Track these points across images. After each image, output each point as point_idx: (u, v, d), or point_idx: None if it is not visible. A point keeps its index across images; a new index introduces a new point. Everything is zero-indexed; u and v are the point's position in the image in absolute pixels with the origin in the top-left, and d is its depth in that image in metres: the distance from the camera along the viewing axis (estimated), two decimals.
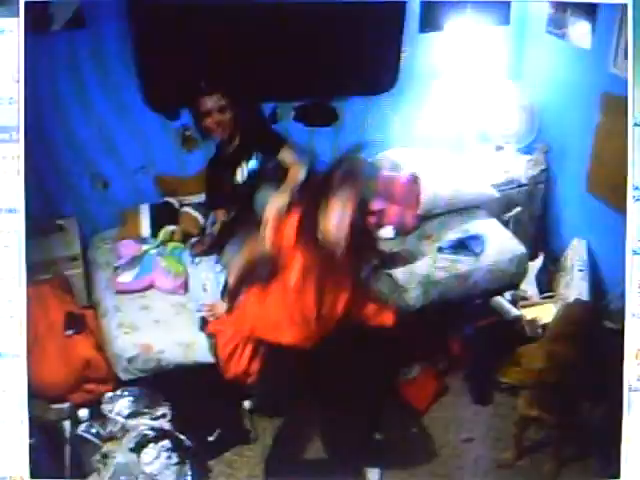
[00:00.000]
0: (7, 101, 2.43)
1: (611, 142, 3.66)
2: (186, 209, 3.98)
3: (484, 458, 3.27)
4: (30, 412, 2.95)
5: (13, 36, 2.43)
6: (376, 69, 4.06)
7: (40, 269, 3.48)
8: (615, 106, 3.57)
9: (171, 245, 3.82)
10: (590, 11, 3.65)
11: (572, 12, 3.78)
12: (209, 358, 3.29)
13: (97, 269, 3.78)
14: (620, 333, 3.62)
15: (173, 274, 3.64)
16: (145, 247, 3.80)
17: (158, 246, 3.81)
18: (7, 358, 2.44)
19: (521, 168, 4.27)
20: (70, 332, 3.40)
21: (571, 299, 3.77)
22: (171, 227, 3.90)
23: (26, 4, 2.42)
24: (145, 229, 3.91)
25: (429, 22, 4.06)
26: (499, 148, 4.40)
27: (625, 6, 3.24)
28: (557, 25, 3.92)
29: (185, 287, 3.64)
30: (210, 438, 3.27)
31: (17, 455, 2.45)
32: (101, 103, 3.74)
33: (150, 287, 3.64)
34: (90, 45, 3.59)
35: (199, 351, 3.33)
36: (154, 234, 3.89)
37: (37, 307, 3.33)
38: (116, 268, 3.68)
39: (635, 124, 2.42)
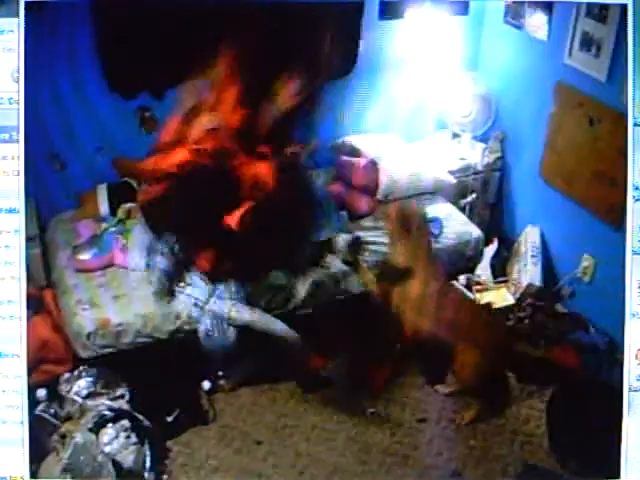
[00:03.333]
0: (7, 101, 2.42)
1: (564, 131, 3.76)
2: (145, 185, 3.96)
3: (438, 438, 3.35)
4: None
5: (13, 36, 2.41)
6: (335, 54, 4.08)
7: None
8: (568, 96, 3.67)
9: (130, 223, 3.81)
10: (547, 3, 3.73)
11: (529, 3, 3.85)
12: (168, 327, 3.38)
13: (56, 249, 3.76)
14: (569, 316, 3.77)
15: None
16: (104, 225, 3.80)
17: (117, 224, 3.81)
18: (7, 358, 2.43)
19: (477, 155, 4.34)
20: (28, 312, 3.38)
21: (524, 284, 3.88)
22: (128, 205, 3.89)
23: (26, 4, 2.41)
24: (103, 208, 3.89)
25: (389, 9, 4.09)
26: (456, 136, 4.46)
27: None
28: (515, 16, 3.99)
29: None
30: (169, 418, 3.28)
31: (17, 455, 2.45)
32: (61, 84, 3.69)
33: (110, 265, 3.64)
34: (49, 25, 3.54)
35: (157, 321, 3.37)
36: (112, 213, 3.88)
37: None
38: (75, 247, 3.67)
39: (635, 124, 2.46)
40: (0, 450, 2.43)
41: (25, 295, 2.43)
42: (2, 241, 2.40)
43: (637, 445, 2.49)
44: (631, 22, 2.49)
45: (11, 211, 2.40)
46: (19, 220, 2.40)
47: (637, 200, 2.47)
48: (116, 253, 3.64)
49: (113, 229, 3.77)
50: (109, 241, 3.68)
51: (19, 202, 2.40)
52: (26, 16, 2.40)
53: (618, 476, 2.49)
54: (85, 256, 3.62)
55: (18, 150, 2.40)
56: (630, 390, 2.48)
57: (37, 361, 3.32)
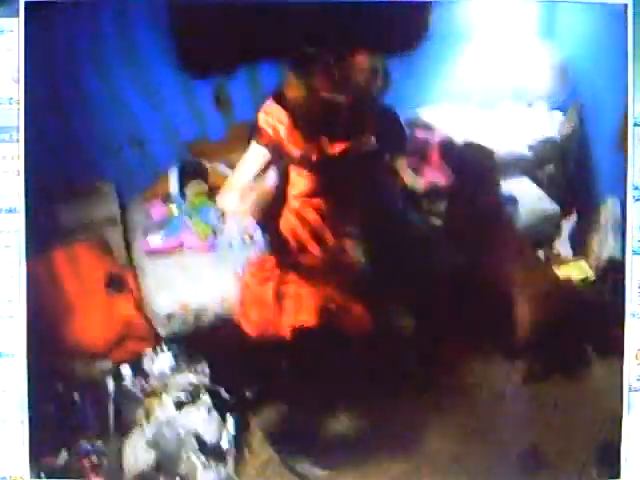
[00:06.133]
0: (7, 101, 2.45)
1: None
2: (214, 165, 4.03)
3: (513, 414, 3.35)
4: (74, 370, 3.07)
5: (13, 36, 2.44)
6: (406, 26, 4.03)
7: (79, 231, 3.59)
8: None
9: (198, 202, 3.90)
10: None
11: None
12: None
13: (133, 230, 3.86)
14: None
15: (201, 235, 3.74)
16: (172, 207, 3.89)
17: (185, 207, 3.89)
18: (7, 358, 2.49)
19: (554, 126, 4.25)
20: (111, 291, 3.50)
21: (604, 257, 3.81)
22: (198, 182, 3.97)
23: (26, 4, 2.43)
24: (173, 188, 3.95)
25: None
26: (531, 106, 4.38)
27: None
28: None
29: (213, 246, 3.73)
30: (249, 394, 3.35)
31: (17, 455, 2.50)
32: (143, 61, 3.78)
33: (179, 247, 3.73)
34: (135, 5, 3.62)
35: (234, 301, 3.45)
36: (182, 192, 3.95)
37: (77, 267, 3.44)
38: (145, 230, 3.78)
39: (635, 124, 2.41)
40: (0, 450, 2.50)
41: (25, 295, 2.48)
42: (2, 241, 2.44)
43: (637, 445, 2.45)
44: (631, 22, 2.44)
45: (11, 211, 2.45)
46: (19, 220, 2.45)
47: (637, 200, 2.43)
48: (185, 235, 3.73)
49: (181, 210, 3.86)
50: (178, 223, 3.78)
51: (19, 202, 2.44)
52: (26, 16, 2.43)
53: (618, 476, 2.46)
54: (154, 239, 3.72)
55: (18, 150, 2.44)
56: (630, 390, 2.46)
57: (121, 338, 3.43)
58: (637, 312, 2.46)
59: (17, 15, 2.44)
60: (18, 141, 2.45)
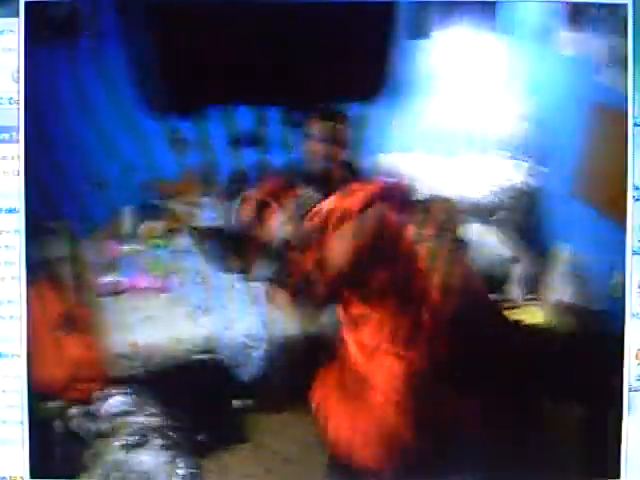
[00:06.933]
0: (7, 101, 2.45)
1: (599, 150, 3.72)
2: (170, 205, 4.03)
3: None
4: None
5: (13, 36, 2.44)
6: (369, 74, 4.09)
7: (35, 269, 3.53)
8: (605, 115, 3.63)
9: (151, 243, 3.89)
10: (584, 19, 3.70)
11: (567, 20, 3.82)
12: (198, 351, 3.43)
13: (86, 270, 3.80)
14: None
15: (153, 275, 3.72)
16: (126, 248, 3.87)
17: (139, 246, 3.88)
18: (7, 358, 2.46)
19: (510, 174, 4.32)
20: (63, 331, 3.45)
21: (554, 302, 3.85)
22: (153, 223, 3.97)
23: (26, 4, 2.44)
24: (127, 227, 3.96)
25: (423, 28, 4.09)
26: (489, 154, 4.44)
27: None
28: (551, 32, 3.96)
29: (166, 287, 3.71)
30: (200, 437, 3.31)
31: (17, 455, 2.46)
32: (99, 102, 3.75)
33: (133, 287, 3.70)
34: (90, 46, 3.62)
35: (187, 343, 3.43)
36: (136, 232, 3.94)
37: (34, 306, 3.39)
38: (99, 270, 3.73)
39: (635, 124, 2.46)
40: (0, 450, 2.46)
41: (25, 295, 2.45)
42: (2, 241, 2.43)
43: (637, 445, 2.47)
44: (631, 22, 2.49)
45: (11, 211, 2.43)
46: (19, 220, 2.43)
47: (637, 200, 2.47)
48: (139, 275, 3.70)
49: (135, 250, 3.84)
50: (132, 264, 3.75)
51: (19, 202, 2.43)
52: (26, 16, 2.44)
53: (618, 476, 2.47)
54: (107, 279, 3.68)
55: (18, 150, 2.43)
56: (630, 390, 2.48)
57: (72, 379, 3.37)
58: (637, 312, 2.48)
59: (17, 15, 2.44)
60: (18, 141, 2.44)
